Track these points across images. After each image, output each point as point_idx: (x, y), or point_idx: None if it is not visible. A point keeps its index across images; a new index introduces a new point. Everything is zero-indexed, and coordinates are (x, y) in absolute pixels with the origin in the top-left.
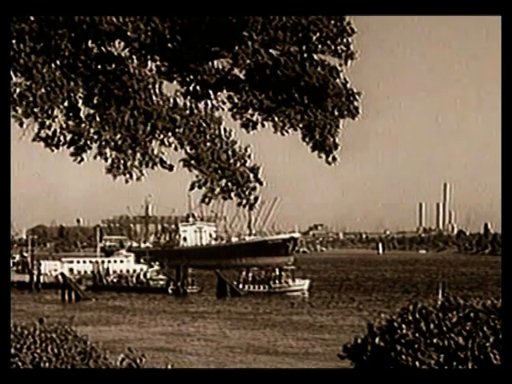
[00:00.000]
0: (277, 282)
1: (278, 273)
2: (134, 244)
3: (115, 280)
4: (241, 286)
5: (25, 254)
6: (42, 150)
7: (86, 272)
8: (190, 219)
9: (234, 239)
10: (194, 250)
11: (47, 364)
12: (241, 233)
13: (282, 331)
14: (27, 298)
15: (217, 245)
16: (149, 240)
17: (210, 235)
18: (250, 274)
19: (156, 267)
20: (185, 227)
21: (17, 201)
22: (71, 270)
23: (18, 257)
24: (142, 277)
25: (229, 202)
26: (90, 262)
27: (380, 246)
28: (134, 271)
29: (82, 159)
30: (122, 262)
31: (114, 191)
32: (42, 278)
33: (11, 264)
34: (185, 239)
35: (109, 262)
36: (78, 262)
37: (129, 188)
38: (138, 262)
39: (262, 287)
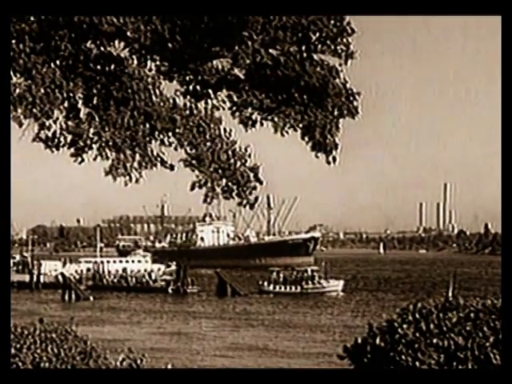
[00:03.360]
0: (309, 282)
1: (310, 273)
2: (149, 244)
3: (115, 280)
4: (271, 286)
5: (25, 254)
6: (43, 150)
7: (103, 272)
8: (207, 219)
9: (253, 239)
10: (211, 250)
11: (47, 364)
12: (259, 232)
13: (282, 331)
14: (27, 298)
15: (235, 245)
16: (165, 240)
17: (228, 235)
18: (281, 275)
19: (173, 267)
20: (202, 227)
21: (17, 201)
22: (88, 269)
23: (18, 257)
24: (147, 277)
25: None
26: (108, 261)
27: (381, 245)
28: (152, 271)
29: (83, 160)
30: (139, 261)
31: (115, 191)
32: (42, 277)
33: (11, 264)
34: (202, 239)
35: (126, 261)
36: (96, 262)
37: (130, 188)
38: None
39: (293, 288)
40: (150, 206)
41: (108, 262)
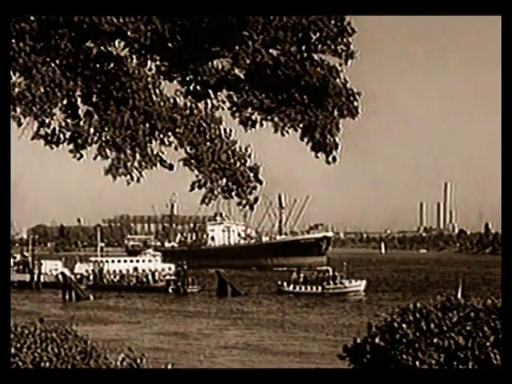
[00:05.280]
0: (331, 282)
1: (331, 273)
2: (158, 243)
3: (115, 279)
4: (291, 287)
5: (25, 254)
6: (43, 149)
7: (114, 271)
8: (218, 218)
9: (265, 238)
10: (222, 249)
11: (47, 364)
12: (271, 232)
13: (282, 331)
14: (28, 298)
15: (246, 244)
16: (174, 239)
17: (239, 234)
18: (302, 275)
19: (184, 267)
20: (212, 226)
21: (17, 200)
22: (100, 269)
23: (18, 256)
24: (150, 277)
25: (258, 201)
26: (119, 261)
27: (382, 245)
28: (163, 270)
29: (82, 156)
30: (150, 261)
31: (115, 190)
32: (42, 277)
33: (12, 263)
34: (212, 239)
35: (137, 261)
36: (107, 261)
37: (131, 187)
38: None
39: (314, 288)
40: (158, 205)
41: (119, 261)
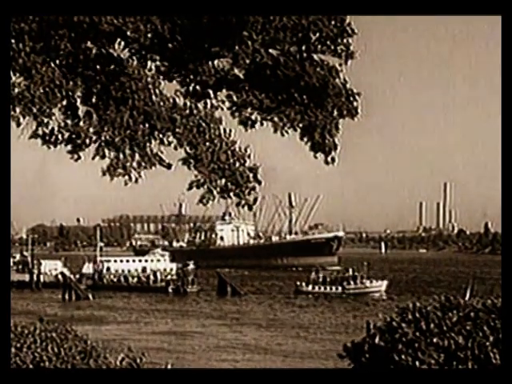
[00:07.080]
0: (351, 282)
1: (351, 273)
2: (166, 243)
3: (115, 279)
4: (310, 287)
5: (25, 254)
6: (43, 149)
7: (123, 271)
8: (227, 218)
9: (275, 238)
10: (231, 249)
11: (47, 363)
12: (281, 232)
13: (282, 331)
14: (27, 298)
15: (256, 244)
16: (183, 239)
17: (248, 234)
18: (321, 275)
19: (192, 266)
20: (221, 226)
21: (17, 200)
22: (108, 269)
23: (18, 256)
24: (151, 277)
25: (268, 201)
26: (127, 261)
27: (383, 245)
28: (171, 270)
29: (79, 157)
30: (158, 260)
31: (115, 190)
32: (42, 277)
33: (11, 263)
34: (221, 238)
35: (145, 261)
36: (116, 261)
37: (131, 187)
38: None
39: (334, 288)
40: (163, 205)
41: (127, 261)
